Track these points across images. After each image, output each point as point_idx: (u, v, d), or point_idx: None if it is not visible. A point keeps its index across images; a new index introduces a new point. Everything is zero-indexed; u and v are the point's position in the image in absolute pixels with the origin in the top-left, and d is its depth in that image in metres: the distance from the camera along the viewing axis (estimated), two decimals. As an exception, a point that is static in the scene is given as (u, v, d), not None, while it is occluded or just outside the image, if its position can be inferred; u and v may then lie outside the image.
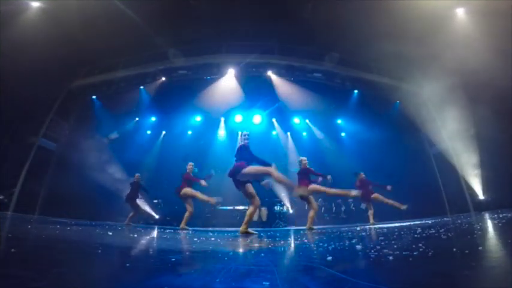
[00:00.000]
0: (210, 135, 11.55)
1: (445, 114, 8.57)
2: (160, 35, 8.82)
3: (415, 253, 1.49)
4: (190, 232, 5.11)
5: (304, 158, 6.28)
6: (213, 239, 3.44)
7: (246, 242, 3.08)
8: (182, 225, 6.23)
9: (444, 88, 7.98)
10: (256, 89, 9.77)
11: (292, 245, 2.75)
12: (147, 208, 9.16)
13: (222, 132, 11.67)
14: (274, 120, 11.33)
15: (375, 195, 7.38)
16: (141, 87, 10.13)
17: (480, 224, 3.52)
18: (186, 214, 6.38)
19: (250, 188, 4.65)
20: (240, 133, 5.13)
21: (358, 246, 1.98)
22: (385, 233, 3.42)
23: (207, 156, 10.31)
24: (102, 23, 7.65)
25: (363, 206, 8.26)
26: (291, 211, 10.25)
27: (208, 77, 9.81)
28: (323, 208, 9.81)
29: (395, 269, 1.25)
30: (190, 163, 6.80)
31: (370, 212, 7.42)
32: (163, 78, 9.86)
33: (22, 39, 7.16)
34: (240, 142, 5.03)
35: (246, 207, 9.74)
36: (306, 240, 3.03)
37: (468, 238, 2.23)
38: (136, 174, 8.07)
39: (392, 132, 9.98)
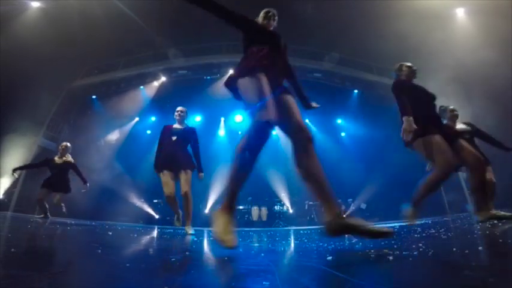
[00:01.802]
0: (210, 135, 11.56)
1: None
2: (160, 35, 8.83)
3: (415, 253, 1.49)
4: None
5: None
6: (212, 238, 3.44)
7: (246, 242, 3.09)
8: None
9: (444, 88, 7.99)
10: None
11: (292, 245, 2.75)
12: (147, 208, 9.16)
13: (222, 132, 11.70)
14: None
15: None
16: (141, 87, 10.14)
17: (480, 223, 3.52)
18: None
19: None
20: None
21: (358, 246, 1.98)
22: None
23: (207, 156, 10.31)
24: (102, 23, 7.66)
25: (363, 205, 8.18)
26: (291, 211, 10.26)
27: (208, 77, 9.82)
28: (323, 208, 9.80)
29: (395, 269, 1.25)
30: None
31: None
32: (164, 78, 9.86)
33: (22, 39, 7.16)
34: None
35: (246, 207, 9.80)
36: (306, 240, 3.03)
37: (468, 238, 2.23)
38: (63, 144, 5.94)
39: (392, 132, 9.97)
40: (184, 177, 4.00)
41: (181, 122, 4.40)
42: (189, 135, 4.31)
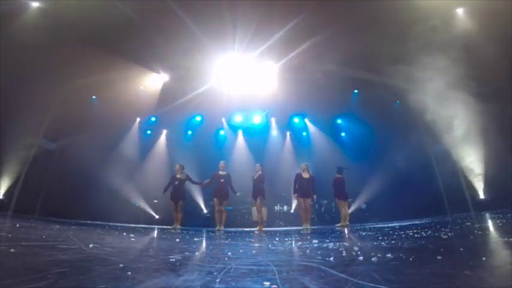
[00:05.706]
0: (210, 135, 11.57)
1: (445, 114, 8.57)
2: (160, 35, 8.82)
3: (415, 253, 1.50)
4: (191, 232, 5.11)
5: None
6: (213, 238, 3.44)
7: (246, 241, 3.09)
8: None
9: (444, 88, 7.98)
10: (256, 89, 9.78)
11: (292, 245, 2.75)
12: (147, 208, 9.16)
13: (222, 132, 11.71)
14: (273, 120, 11.33)
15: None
16: (141, 87, 10.14)
17: (480, 223, 3.52)
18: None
19: None
20: None
21: (358, 246, 1.98)
22: (386, 233, 3.42)
23: (207, 156, 10.31)
24: (102, 23, 7.64)
25: (363, 205, 8.16)
26: (291, 211, 10.25)
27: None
28: (323, 208, 9.81)
29: (395, 269, 1.25)
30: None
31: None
32: (164, 78, 9.87)
33: (22, 39, 7.15)
34: None
35: (246, 207, 9.80)
36: (305, 241, 3.03)
37: (468, 238, 2.24)
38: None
39: (392, 132, 9.98)
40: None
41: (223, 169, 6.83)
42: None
